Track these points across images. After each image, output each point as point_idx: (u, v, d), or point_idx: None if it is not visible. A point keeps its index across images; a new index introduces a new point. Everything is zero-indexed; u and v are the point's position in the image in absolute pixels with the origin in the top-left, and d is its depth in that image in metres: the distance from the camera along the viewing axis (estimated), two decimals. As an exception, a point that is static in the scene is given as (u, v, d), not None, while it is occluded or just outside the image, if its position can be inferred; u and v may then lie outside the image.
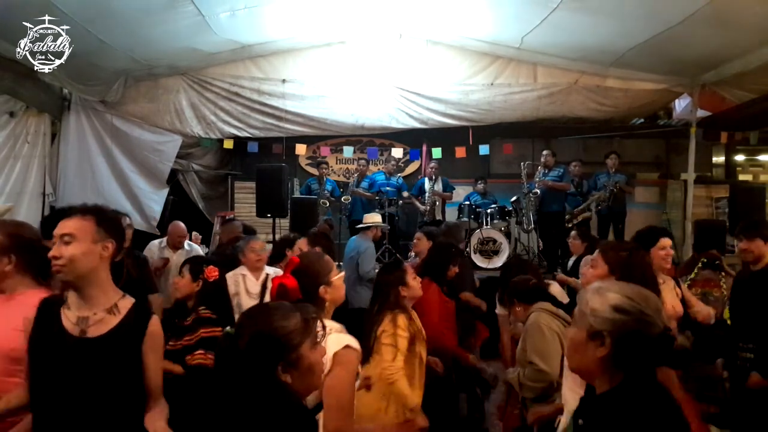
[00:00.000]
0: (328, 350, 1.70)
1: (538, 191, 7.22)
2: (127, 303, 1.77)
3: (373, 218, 5.71)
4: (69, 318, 1.70)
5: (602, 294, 1.32)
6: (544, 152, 7.53)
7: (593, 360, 1.29)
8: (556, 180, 7.30)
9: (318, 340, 1.38)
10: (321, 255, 2.08)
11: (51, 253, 1.69)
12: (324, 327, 1.43)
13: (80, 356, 1.65)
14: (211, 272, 2.98)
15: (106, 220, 1.78)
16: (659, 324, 1.27)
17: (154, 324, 1.78)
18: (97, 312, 1.71)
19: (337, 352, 1.73)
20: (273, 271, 4.00)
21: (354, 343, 1.80)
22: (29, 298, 1.89)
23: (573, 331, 1.36)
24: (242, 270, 3.94)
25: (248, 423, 1.23)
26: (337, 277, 1.98)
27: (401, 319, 2.56)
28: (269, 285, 3.83)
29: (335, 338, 1.77)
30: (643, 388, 1.25)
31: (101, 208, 1.83)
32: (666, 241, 2.87)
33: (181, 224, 5.45)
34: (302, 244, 3.81)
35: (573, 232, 5.45)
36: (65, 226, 1.71)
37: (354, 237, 5.54)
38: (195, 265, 2.95)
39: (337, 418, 1.71)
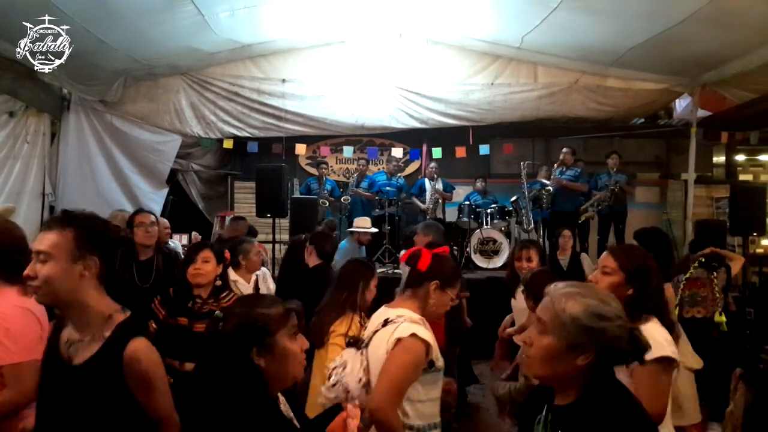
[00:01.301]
0: (394, 335, 1.80)
1: (551, 189, 7.14)
2: (114, 322, 1.54)
3: (359, 223, 5.76)
4: (63, 339, 1.55)
5: (577, 300, 1.27)
6: (564, 149, 7.41)
7: (573, 369, 1.25)
8: (572, 180, 7.24)
9: (296, 331, 1.43)
10: (460, 271, 2.15)
11: (25, 272, 1.50)
12: (297, 323, 1.47)
13: (65, 383, 1.51)
14: (228, 253, 3.20)
15: (89, 233, 1.55)
16: (628, 324, 1.28)
17: (133, 349, 1.50)
18: (84, 336, 1.52)
19: (401, 338, 1.78)
20: (262, 272, 4.02)
21: (424, 335, 1.82)
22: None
23: (546, 340, 1.28)
24: (232, 275, 3.86)
25: (212, 398, 1.32)
26: (452, 296, 1.99)
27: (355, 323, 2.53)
28: (261, 286, 3.93)
29: (405, 326, 1.82)
30: (615, 395, 1.25)
31: (87, 217, 1.60)
32: None
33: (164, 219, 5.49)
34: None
35: (567, 231, 5.37)
36: (40, 241, 1.50)
37: None
38: (214, 249, 3.00)
39: (381, 393, 1.75)
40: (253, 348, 1.34)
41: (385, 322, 1.88)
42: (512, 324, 3.65)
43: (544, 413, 1.35)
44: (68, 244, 1.50)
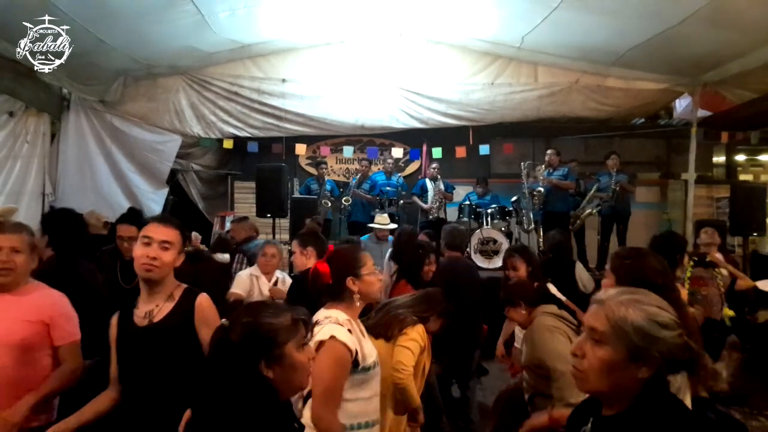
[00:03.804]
0: (316, 338, 1.80)
1: (542, 189, 7.17)
2: (180, 290, 2.00)
3: (379, 219, 5.77)
4: (138, 314, 1.95)
5: (638, 308, 1.18)
6: (549, 151, 7.45)
7: (633, 382, 1.16)
8: (561, 179, 7.25)
9: (305, 341, 1.42)
10: (357, 249, 2.17)
11: (151, 254, 1.90)
12: (310, 331, 1.48)
13: (148, 341, 1.89)
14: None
15: (186, 233, 2.06)
16: (685, 333, 1.19)
17: (201, 300, 1.99)
18: (159, 303, 1.95)
19: (322, 341, 1.81)
20: (282, 276, 4.08)
21: (343, 336, 1.84)
22: (41, 294, 2.17)
23: (603, 351, 1.18)
24: (256, 271, 4.05)
25: (225, 409, 1.30)
26: (369, 274, 2.01)
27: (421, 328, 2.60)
28: (279, 287, 3.99)
29: (327, 329, 1.85)
30: (666, 405, 1.17)
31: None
32: None
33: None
34: (294, 246, 3.83)
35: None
36: (165, 233, 1.94)
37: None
38: None
39: (317, 403, 1.77)
40: (262, 359, 1.33)
41: (314, 324, 1.89)
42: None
43: (589, 425, 1.27)
44: (180, 238, 1.99)
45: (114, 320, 1.99)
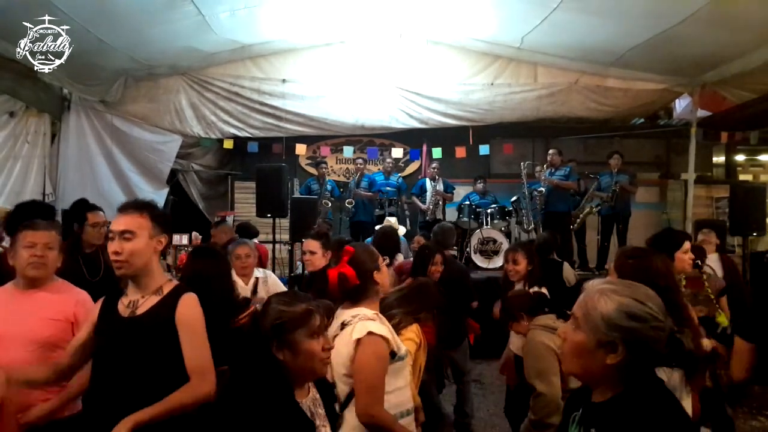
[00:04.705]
0: (353, 336, 1.83)
1: (543, 189, 7.18)
2: (171, 285, 1.90)
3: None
4: (123, 303, 1.87)
5: (611, 298, 1.24)
6: (551, 151, 7.44)
7: (601, 367, 1.23)
8: (562, 179, 7.25)
9: (318, 331, 1.50)
10: (368, 245, 2.23)
11: (112, 249, 1.80)
12: (320, 323, 1.53)
13: (128, 333, 1.80)
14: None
15: (160, 216, 1.91)
16: (668, 326, 1.24)
17: (185, 301, 1.85)
18: (146, 295, 1.86)
19: (360, 338, 1.82)
20: (262, 273, 3.98)
21: (379, 329, 1.85)
22: (67, 292, 2.23)
23: (578, 336, 1.27)
24: (234, 276, 3.87)
25: (236, 381, 1.47)
26: (384, 263, 2.09)
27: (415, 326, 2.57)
28: (260, 288, 3.83)
29: (361, 326, 1.85)
30: (652, 393, 1.22)
31: (155, 204, 1.96)
32: (688, 245, 2.84)
33: None
34: (314, 246, 3.74)
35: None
36: (123, 223, 1.82)
37: None
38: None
39: (363, 399, 1.79)
40: (273, 342, 1.45)
41: (342, 326, 1.89)
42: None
43: (580, 411, 1.34)
44: (147, 224, 1.84)
45: (98, 304, 1.95)
